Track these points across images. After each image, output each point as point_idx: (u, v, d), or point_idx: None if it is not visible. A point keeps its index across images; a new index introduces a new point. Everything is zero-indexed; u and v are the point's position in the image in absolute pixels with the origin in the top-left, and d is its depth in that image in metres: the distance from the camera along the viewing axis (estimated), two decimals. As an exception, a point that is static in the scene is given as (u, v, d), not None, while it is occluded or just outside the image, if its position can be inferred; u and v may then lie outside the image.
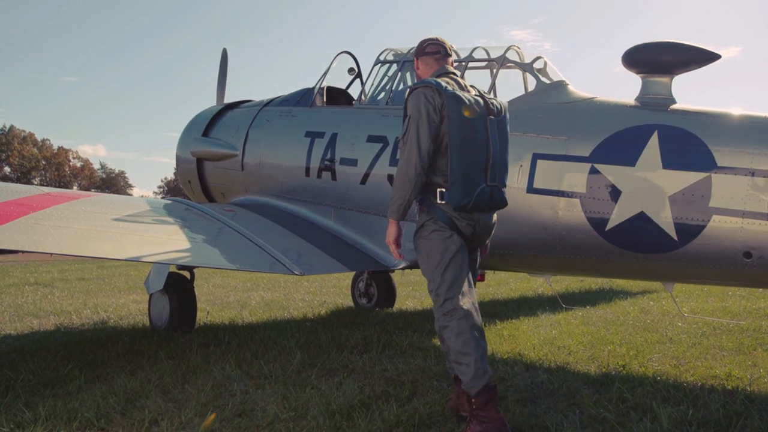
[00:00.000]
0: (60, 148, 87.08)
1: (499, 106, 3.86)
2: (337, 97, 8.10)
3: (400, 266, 6.46)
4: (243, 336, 6.67)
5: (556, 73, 6.19)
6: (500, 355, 5.81)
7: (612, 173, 5.12)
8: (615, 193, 5.06)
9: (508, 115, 3.98)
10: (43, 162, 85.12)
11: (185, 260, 5.31)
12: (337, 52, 8.14)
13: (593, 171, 5.19)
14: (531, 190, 5.50)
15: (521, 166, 5.55)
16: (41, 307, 10.24)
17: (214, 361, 5.34)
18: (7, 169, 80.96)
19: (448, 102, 3.56)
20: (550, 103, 5.83)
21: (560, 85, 6.02)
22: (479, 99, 3.73)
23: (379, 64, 7.21)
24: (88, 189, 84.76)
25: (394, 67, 7.20)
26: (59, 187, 77.85)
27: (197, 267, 6.72)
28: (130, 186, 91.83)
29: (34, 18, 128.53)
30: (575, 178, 5.28)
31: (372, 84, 7.18)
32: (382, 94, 7.15)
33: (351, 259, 6.38)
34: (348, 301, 10.30)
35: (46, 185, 78.15)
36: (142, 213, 6.05)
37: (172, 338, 6.60)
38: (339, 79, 8.24)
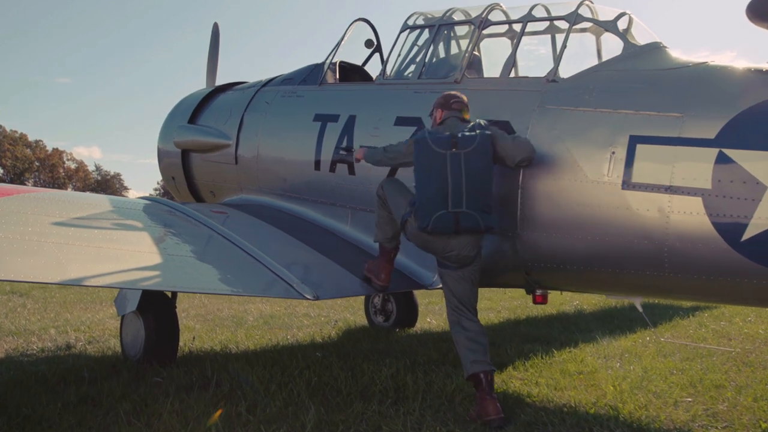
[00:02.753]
0: (54, 150, 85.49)
1: (471, 137, 4.14)
2: (350, 75, 6.63)
3: (439, 285, 4.99)
4: (238, 372, 5.19)
5: (646, 33, 4.73)
6: (583, 407, 4.34)
7: (751, 162, 3.66)
8: (757, 190, 3.61)
9: (489, 141, 4.16)
10: (37, 163, 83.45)
11: (152, 283, 3.84)
12: (351, 21, 6.66)
13: (722, 159, 3.74)
14: (628, 185, 4.04)
15: (613, 153, 4.10)
16: (1, 325, 8.73)
17: (194, 424, 3.85)
18: (-1, 170, 79.37)
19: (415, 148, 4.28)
20: (648, 70, 4.37)
21: (657, 48, 4.57)
22: (446, 136, 4.17)
23: (408, 31, 5.75)
24: (83, 191, 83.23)
25: (426, 33, 5.75)
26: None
27: (171, 291, 5.24)
28: (126, 188, 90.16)
29: (28, 19, 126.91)
30: (695, 168, 3.83)
31: (398, 54, 5.72)
32: (412, 67, 5.70)
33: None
34: (360, 318, 8.82)
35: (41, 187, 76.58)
36: (101, 216, 4.58)
37: (145, 376, 5.12)
38: (354, 54, 6.77)
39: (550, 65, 5.12)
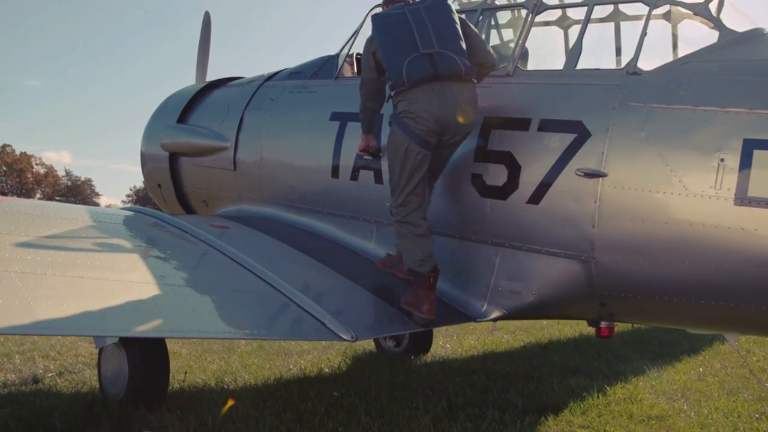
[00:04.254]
0: (22, 154, 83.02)
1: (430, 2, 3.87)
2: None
3: (491, 316, 4.18)
4: (236, 419, 4.28)
5: (739, 17, 3.98)
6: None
7: None
8: None
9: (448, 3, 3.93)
10: (4, 168, 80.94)
11: (149, 328, 2.91)
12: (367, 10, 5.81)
13: None
14: (743, 199, 3.26)
15: (722, 160, 3.32)
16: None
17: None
18: (-37, 175, 76.87)
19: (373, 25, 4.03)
20: (759, 60, 3.62)
21: (763, 35, 3.81)
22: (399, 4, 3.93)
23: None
24: (51, 197, 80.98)
25: (469, 19, 4.93)
26: (22, 196, 73.95)
27: (173, 337, 4.33)
28: (97, 194, 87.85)
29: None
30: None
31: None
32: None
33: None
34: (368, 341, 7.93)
35: (7, 193, 74.20)
36: (79, 234, 3.67)
37: (127, 425, 4.20)
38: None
39: (609, 56, 4.39)
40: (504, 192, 4.04)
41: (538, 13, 4.46)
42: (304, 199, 5.17)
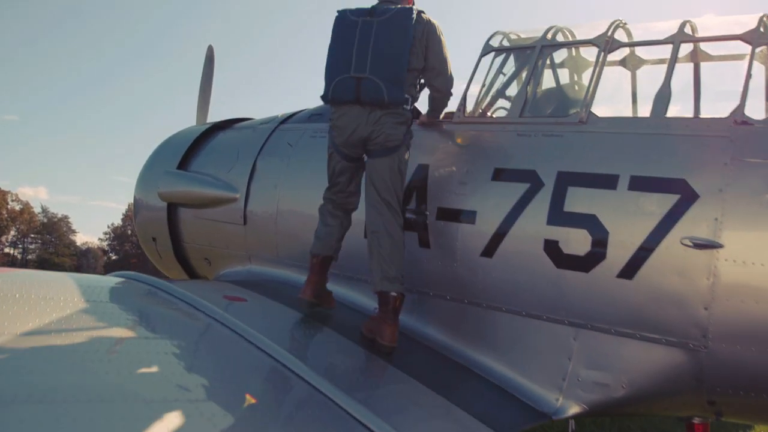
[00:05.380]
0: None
1: (390, 8, 3.69)
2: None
3: (568, 413, 3.44)
4: None
5: None
6: None
7: None
8: None
9: (411, 18, 3.64)
10: (-22, 205, 78.79)
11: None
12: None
13: None
14: None
15: None
16: None
17: None
18: (-65, 211, 74.59)
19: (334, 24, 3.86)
20: None
21: None
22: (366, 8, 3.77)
23: (492, 54, 4.31)
24: (26, 234, 78.88)
25: (518, 57, 4.34)
26: (-6, 231, 71.86)
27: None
28: (74, 231, 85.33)
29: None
30: None
31: (483, 85, 4.27)
32: (505, 101, 4.28)
33: (482, 408, 3.30)
34: None
35: (-21, 230, 72.09)
36: (52, 328, 2.84)
37: None
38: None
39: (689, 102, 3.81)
40: (587, 263, 3.36)
41: (611, 51, 3.86)
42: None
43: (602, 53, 3.82)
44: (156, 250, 6.18)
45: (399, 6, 3.72)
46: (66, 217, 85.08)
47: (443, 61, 3.78)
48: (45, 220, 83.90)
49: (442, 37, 3.79)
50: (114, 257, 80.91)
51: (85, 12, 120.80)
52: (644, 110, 4.24)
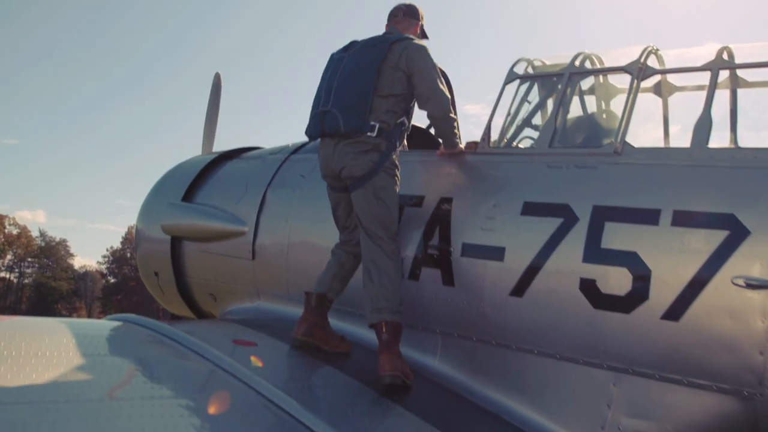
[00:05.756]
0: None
1: (368, 39, 3.78)
2: (411, 139, 4.94)
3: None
4: None
5: None
6: None
7: None
8: None
9: (384, 47, 3.64)
10: (-25, 230, 78.37)
11: None
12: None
13: None
14: None
15: None
16: None
17: None
18: (-69, 236, 74.23)
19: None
20: None
21: None
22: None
23: (517, 82, 4.13)
24: (24, 258, 78.42)
25: (543, 85, 4.17)
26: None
27: None
28: (72, 255, 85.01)
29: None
30: None
31: (508, 114, 4.07)
32: (532, 131, 4.09)
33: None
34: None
35: (-24, 255, 71.71)
36: (37, 372, 2.61)
37: None
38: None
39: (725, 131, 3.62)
40: (627, 303, 3.12)
41: (644, 79, 3.68)
42: (346, 300, 4.17)
43: (635, 81, 3.63)
44: (158, 284, 5.94)
45: (380, 35, 3.79)
46: (64, 240, 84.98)
47: (431, 86, 3.66)
48: (43, 244, 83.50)
49: (427, 60, 3.67)
50: (112, 280, 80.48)
51: (85, 34, 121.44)
52: (678, 139, 4.07)
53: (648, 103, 4.13)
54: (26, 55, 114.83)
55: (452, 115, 3.82)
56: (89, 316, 77.52)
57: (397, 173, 3.71)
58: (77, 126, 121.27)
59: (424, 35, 4.05)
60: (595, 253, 3.23)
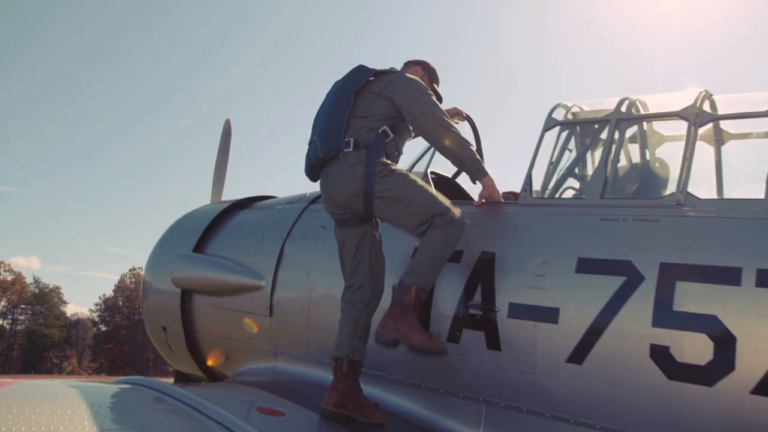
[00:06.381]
0: (-11, 261, 79.84)
1: (350, 72, 3.70)
2: (438, 189, 4.64)
3: None
4: None
5: None
6: None
7: None
8: None
9: (362, 75, 3.61)
10: (-31, 276, 77.53)
11: None
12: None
13: None
14: None
15: None
16: None
17: None
18: (-76, 282, 73.34)
19: None
20: None
21: None
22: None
23: (557, 128, 3.86)
24: (17, 305, 77.29)
25: (584, 132, 3.91)
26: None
27: None
28: (65, 302, 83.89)
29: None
30: None
31: (550, 162, 3.79)
32: (575, 181, 3.81)
33: None
34: None
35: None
36: None
37: None
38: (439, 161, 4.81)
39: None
40: (709, 375, 2.77)
41: (701, 126, 3.41)
42: (375, 363, 3.82)
43: (692, 127, 3.36)
44: (165, 340, 5.55)
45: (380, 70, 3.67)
46: (57, 287, 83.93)
47: (430, 121, 3.52)
48: (36, 291, 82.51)
49: (421, 89, 3.57)
50: (104, 328, 79.31)
51: (80, 82, 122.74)
52: (735, 189, 3.80)
53: (701, 150, 3.86)
54: (24, 103, 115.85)
55: (466, 143, 3.59)
56: (80, 364, 76.10)
57: (395, 170, 3.49)
58: (73, 173, 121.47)
59: (435, 92, 3.82)
60: (666, 316, 2.90)
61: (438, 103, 3.62)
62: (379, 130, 3.50)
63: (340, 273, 4.06)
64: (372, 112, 3.51)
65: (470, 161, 3.61)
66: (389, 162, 3.52)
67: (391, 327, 3.33)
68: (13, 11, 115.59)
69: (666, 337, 2.88)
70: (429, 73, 3.95)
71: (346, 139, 3.44)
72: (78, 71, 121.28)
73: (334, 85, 3.75)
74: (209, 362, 5.18)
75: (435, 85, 3.92)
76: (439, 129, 3.53)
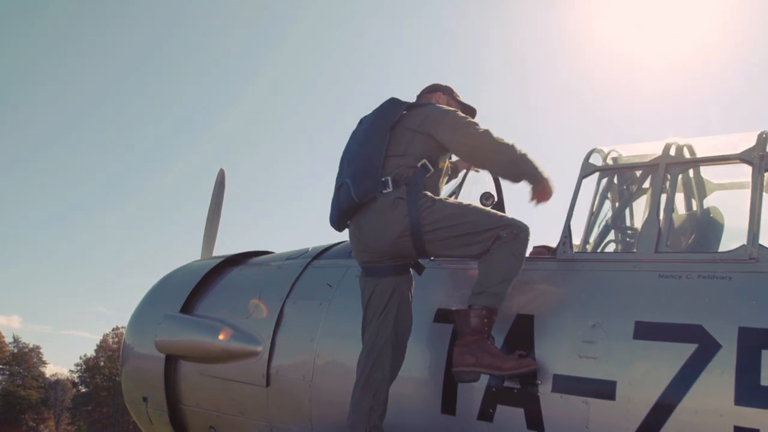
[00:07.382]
0: (-33, 320, 77.82)
1: (381, 106, 3.39)
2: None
3: None
4: None
5: None
6: None
7: None
8: None
9: (395, 109, 3.28)
10: (-53, 336, 75.32)
11: None
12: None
13: None
14: None
15: None
16: None
17: None
18: None
19: None
20: None
21: None
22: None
23: (596, 174, 3.46)
24: (-5, 366, 74.87)
25: (629, 178, 3.50)
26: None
27: None
28: (44, 363, 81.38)
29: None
30: None
31: (592, 213, 3.37)
32: (619, 233, 3.39)
33: None
34: None
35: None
36: None
37: None
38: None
39: None
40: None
41: (766, 170, 3.01)
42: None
43: (757, 172, 2.96)
44: (146, 412, 4.93)
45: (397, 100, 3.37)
46: (38, 347, 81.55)
47: (474, 142, 3.15)
48: (15, 350, 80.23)
49: (459, 118, 3.22)
50: (84, 390, 76.89)
51: (60, 146, 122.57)
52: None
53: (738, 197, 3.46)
54: (5, 162, 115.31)
55: (518, 151, 3.15)
56: (57, 427, 73.28)
57: (437, 199, 3.14)
58: (55, 232, 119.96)
59: (463, 106, 3.55)
60: (753, 392, 2.43)
61: (476, 122, 3.25)
62: (419, 165, 3.13)
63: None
64: (410, 151, 3.17)
65: (531, 169, 3.19)
66: (429, 193, 3.13)
67: (471, 361, 2.92)
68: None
69: (754, 418, 2.39)
70: (448, 94, 3.63)
71: (383, 179, 3.09)
72: (60, 131, 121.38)
73: (361, 122, 3.45)
74: None
75: (459, 100, 3.62)
76: (491, 150, 3.17)
